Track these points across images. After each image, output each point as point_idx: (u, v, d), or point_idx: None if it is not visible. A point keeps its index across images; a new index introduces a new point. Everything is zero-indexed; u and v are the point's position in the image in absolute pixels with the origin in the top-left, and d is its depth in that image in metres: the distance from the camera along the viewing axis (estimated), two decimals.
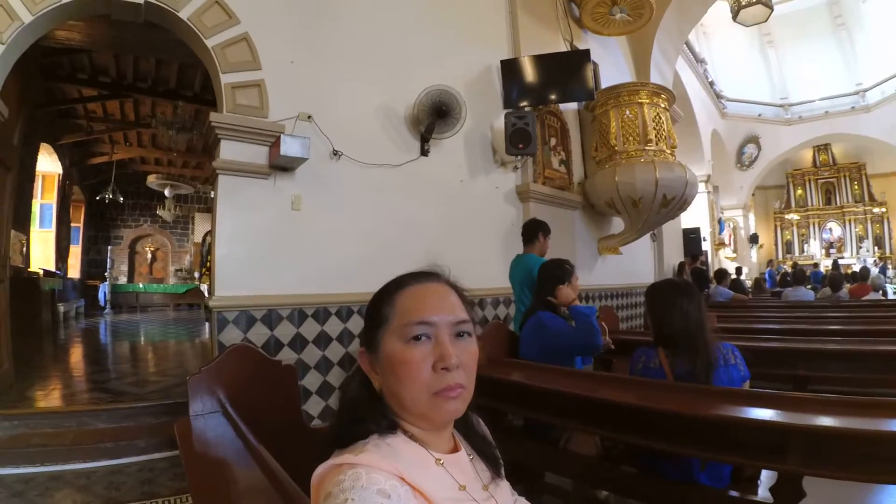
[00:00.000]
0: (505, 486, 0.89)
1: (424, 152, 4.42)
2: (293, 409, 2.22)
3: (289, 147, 3.30)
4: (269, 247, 3.50)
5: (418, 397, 0.73)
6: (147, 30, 3.88)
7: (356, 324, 3.81)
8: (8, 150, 3.95)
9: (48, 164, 9.51)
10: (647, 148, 5.57)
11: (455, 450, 0.82)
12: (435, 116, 4.23)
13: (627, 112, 5.68)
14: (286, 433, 1.89)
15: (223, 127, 3.36)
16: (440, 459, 0.76)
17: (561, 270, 2.79)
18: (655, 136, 5.62)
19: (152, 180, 12.03)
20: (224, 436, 1.66)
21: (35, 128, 6.71)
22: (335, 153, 3.86)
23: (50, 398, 3.93)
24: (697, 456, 1.73)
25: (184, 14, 3.35)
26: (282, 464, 1.27)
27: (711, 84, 14.24)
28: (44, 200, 9.95)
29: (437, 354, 0.73)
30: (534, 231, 3.79)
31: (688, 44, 10.83)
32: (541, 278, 2.87)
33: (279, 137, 3.35)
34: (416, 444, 0.75)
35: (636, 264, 7.15)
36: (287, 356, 3.48)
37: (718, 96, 14.95)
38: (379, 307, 0.80)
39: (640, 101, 5.68)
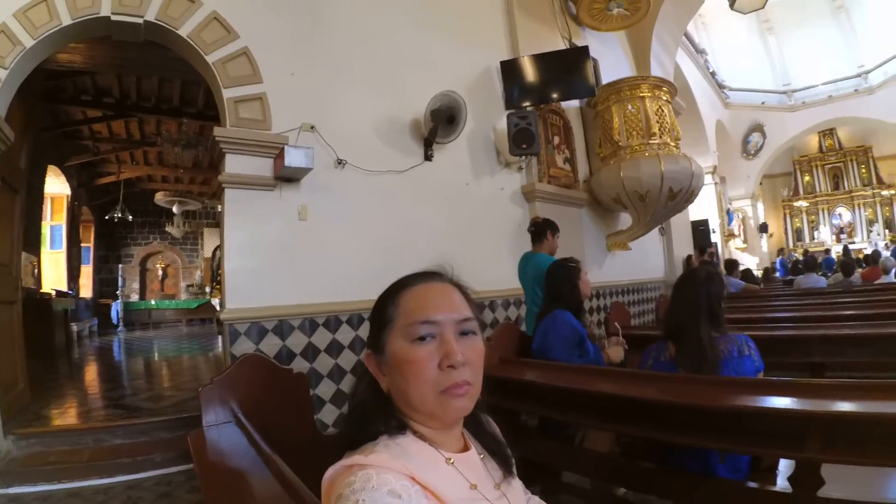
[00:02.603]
0: (517, 484, 0.88)
1: (428, 157, 4.42)
2: (306, 416, 2.22)
3: (293, 158, 3.32)
4: (278, 258, 3.51)
5: (425, 396, 0.73)
6: (148, 49, 3.89)
7: (367, 331, 3.78)
8: (15, 173, 4.00)
9: (56, 186, 9.64)
10: (650, 142, 5.54)
11: (465, 449, 0.81)
12: (444, 122, 4.23)
13: (629, 107, 5.66)
14: (299, 440, 1.90)
15: (227, 141, 3.38)
16: (450, 459, 0.76)
17: (567, 270, 2.78)
18: (659, 130, 5.59)
19: (160, 198, 12.11)
20: (238, 445, 1.66)
21: (41, 150, 6.78)
22: (339, 162, 3.87)
23: (66, 416, 3.97)
24: (713, 447, 1.71)
25: (183, 31, 3.38)
26: (295, 471, 1.27)
27: (713, 74, 14.15)
28: (53, 222, 10.09)
29: (442, 353, 0.73)
30: (542, 230, 3.77)
31: (687, 35, 10.76)
32: (551, 282, 2.82)
33: (283, 149, 3.36)
34: (425, 444, 0.75)
35: (646, 259, 7.13)
36: (300, 366, 3.48)
37: (721, 86, 14.86)
38: (383, 308, 0.81)
39: (641, 94, 5.65)
